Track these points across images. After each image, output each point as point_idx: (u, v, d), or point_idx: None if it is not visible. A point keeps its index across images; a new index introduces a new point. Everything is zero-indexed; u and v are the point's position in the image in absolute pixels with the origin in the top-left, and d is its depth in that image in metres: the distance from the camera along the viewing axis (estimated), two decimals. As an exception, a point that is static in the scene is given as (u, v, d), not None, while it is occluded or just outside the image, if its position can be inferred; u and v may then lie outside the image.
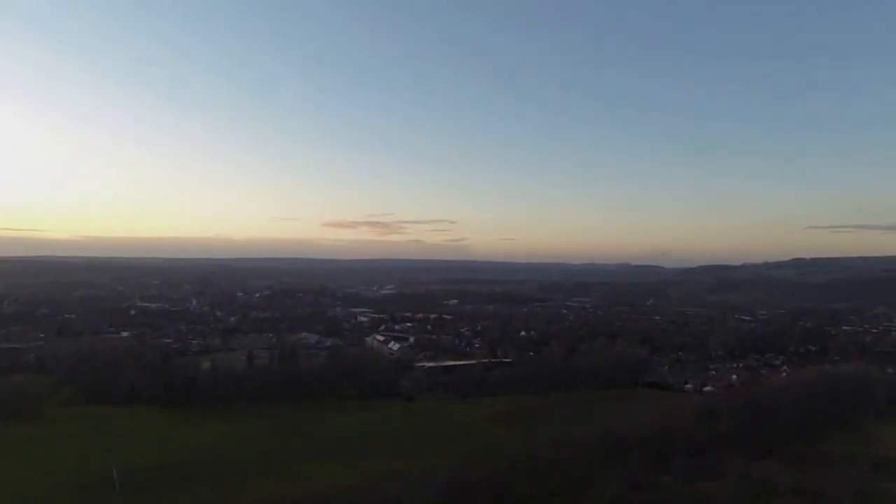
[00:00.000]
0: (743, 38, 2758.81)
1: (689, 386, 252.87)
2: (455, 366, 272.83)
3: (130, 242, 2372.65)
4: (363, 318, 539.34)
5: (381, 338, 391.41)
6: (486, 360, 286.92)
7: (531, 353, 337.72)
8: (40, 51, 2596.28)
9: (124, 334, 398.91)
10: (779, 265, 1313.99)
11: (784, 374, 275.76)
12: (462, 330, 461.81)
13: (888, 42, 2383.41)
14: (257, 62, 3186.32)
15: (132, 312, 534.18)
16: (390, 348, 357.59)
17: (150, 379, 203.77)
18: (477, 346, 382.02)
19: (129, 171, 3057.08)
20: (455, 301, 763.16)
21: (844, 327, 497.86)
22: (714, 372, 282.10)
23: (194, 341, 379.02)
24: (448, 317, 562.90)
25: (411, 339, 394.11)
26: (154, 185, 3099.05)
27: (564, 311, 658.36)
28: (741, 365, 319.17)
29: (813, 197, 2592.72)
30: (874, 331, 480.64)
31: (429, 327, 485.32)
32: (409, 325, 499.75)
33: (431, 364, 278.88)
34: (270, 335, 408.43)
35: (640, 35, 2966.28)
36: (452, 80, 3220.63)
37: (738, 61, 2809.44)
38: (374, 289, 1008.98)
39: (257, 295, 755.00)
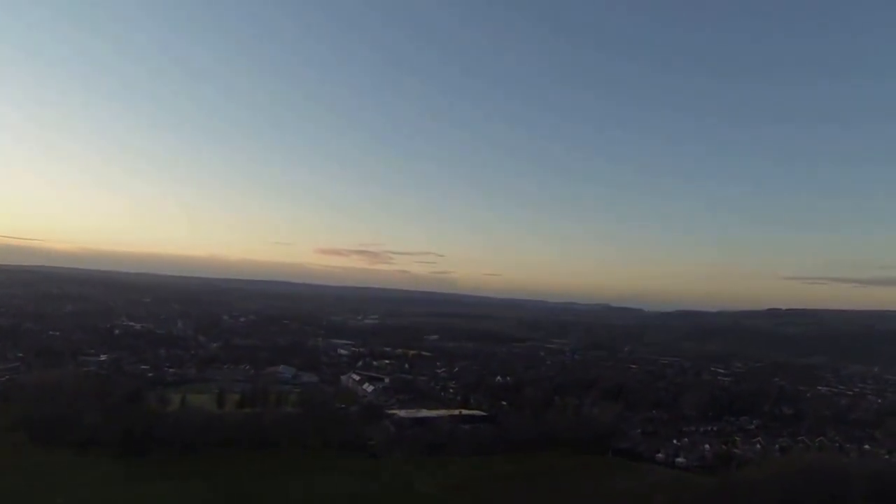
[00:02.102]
0: (727, 102, 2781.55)
1: (660, 455, 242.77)
2: (426, 418, 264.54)
3: (127, 257, 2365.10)
4: (343, 352, 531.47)
5: (356, 377, 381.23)
6: (457, 412, 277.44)
7: (504, 403, 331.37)
8: (43, 62, 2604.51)
9: (103, 357, 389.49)
10: (754, 314, 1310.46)
11: (758, 445, 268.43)
12: (439, 371, 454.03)
13: (870, 105, 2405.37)
14: (262, 87, 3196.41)
15: (116, 332, 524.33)
16: (364, 389, 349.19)
17: (110, 424, 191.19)
18: (451, 390, 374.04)
19: (130, 186, 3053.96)
20: (436, 336, 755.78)
21: (819, 387, 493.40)
22: (686, 439, 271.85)
23: (170, 370, 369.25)
24: (427, 354, 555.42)
25: (386, 380, 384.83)
26: (154, 202, 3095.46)
27: (542, 354, 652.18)
28: (715, 429, 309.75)
29: (791, 247, 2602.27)
30: (849, 393, 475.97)
31: (406, 365, 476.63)
32: (387, 361, 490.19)
33: (402, 414, 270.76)
34: (247, 367, 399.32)
35: (634, 90, 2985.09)
36: (448, 124, 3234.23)
37: (720, 116, 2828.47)
38: (359, 318, 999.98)
39: (242, 319, 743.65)
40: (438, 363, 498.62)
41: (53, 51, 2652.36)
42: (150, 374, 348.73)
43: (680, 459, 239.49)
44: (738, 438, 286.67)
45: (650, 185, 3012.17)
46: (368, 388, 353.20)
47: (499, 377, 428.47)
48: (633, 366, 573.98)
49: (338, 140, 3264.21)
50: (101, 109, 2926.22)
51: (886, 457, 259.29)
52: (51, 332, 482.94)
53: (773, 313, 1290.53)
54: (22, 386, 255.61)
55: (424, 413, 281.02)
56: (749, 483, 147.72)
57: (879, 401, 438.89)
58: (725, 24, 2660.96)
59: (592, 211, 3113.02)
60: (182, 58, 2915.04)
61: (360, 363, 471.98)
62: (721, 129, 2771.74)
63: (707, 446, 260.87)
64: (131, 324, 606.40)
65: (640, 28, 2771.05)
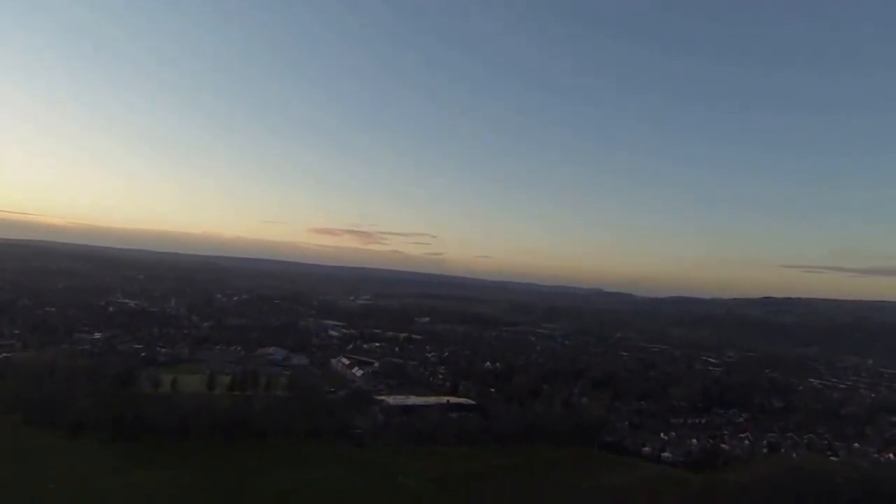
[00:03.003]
0: (725, 89, 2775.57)
1: (647, 449, 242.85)
2: (414, 406, 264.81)
3: (122, 233, 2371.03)
4: (334, 333, 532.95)
5: (346, 361, 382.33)
6: (445, 401, 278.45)
7: (493, 390, 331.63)
8: (40, 38, 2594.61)
9: (97, 335, 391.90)
10: (749, 302, 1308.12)
11: (746, 441, 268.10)
12: (429, 356, 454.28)
13: (872, 95, 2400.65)
14: (258, 68, 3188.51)
15: (110, 310, 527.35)
16: (354, 374, 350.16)
17: (102, 408, 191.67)
18: (441, 375, 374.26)
19: (127, 163, 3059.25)
20: (427, 319, 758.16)
21: (812, 380, 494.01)
22: (674, 433, 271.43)
23: (163, 349, 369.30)
24: (418, 337, 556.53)
25: (376, 364, 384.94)
26: (149, 179, 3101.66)
27: (532, 339, 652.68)
28: (703, 421, 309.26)
29: (789, 235, 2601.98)
30: (842, 386, 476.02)
31: (397, 349, 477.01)
32: (377, 344, 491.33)
33: (391, 401, 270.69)
34: (239, 348, 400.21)
35: (630, 74, 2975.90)
36: (444, 105, 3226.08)
37: (723, 109, 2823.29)
38: (351, 298, 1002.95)
39: (235, 298, 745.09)
40: (428, 347, 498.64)
41: (51, 27, 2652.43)
42: (142, 354, 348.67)
43: (666, 454, 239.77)
44: (726, 433, 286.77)
45: (646, 171, 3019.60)
46: (358, 372, 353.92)
47: (488, 363, 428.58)
48: (624, 353, 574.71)
49: (332, 120, 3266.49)
50: (96, 86, 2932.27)
51: (876, 455, 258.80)
52: (46, 309, 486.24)
53: (768, 302, 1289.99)
54: (17, 366, 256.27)
55: (413, 400, 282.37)
56: (733, 486, 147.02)
57: (872, 395, 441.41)
58: (721, 12, 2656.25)
59: (586, 195, 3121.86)
60: (179, 36, 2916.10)
61: (350, 346, 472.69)
62: (719, 116, 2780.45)
63: (694, 441, 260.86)
64: (125, 301, 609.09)
65: (637, 12, 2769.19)
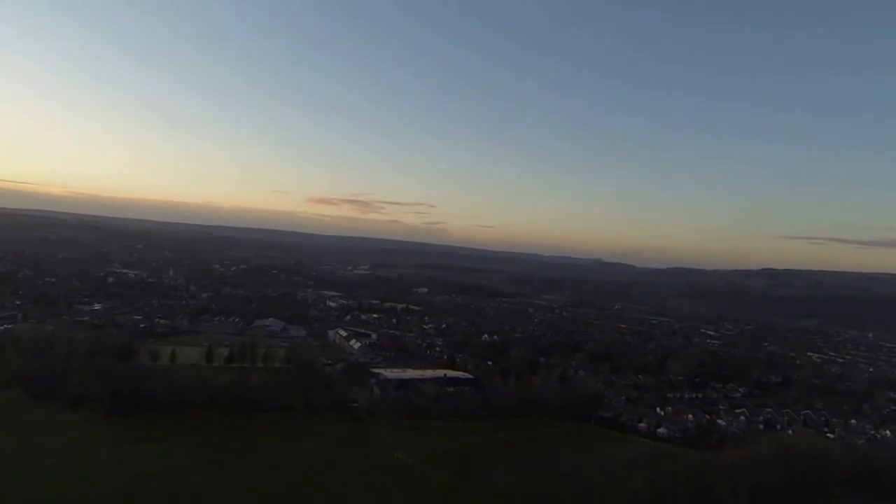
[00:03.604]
0: (727, 50, 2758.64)
1: (642, 425, 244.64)
2: (410, 380, 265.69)
3: (121, 202, 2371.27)
4: (332, 304, 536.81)
5: (344, 333, 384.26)
6: (442, 374, 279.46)
7: (490, 363, 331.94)
8: (44, 10, 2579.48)
9: (97, 307, 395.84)
10: (749, 274, 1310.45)
11: (742, 417, 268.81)
12: (426, 327, 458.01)
13: (870, 61, 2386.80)
14: (257, 37, 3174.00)
15: (109, 280, 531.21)
16: (351, 346, 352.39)
17: (100, 382, 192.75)
18: (438, 348, 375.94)
19: (125, 132, 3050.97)
20: (425, 290, 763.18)
21: (810, 353, 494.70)
22: (670, 408, 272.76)
23: (162, 321, 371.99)
24: (416, 308, 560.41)
25: (374, 336, 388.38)
26: (149, 148, 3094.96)
27: (531, 311, 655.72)
28: (700, 396, 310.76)
29: (790, 206, 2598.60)
30: (840, 360, 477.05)
31: (394, 320, 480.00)
32: (375, 315, 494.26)
33: (387, 374, 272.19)
34: (237, 319, 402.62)
35: (633, 37, 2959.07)
36: (444, 71, 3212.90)
37: (727, 72, 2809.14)
38: (349, 268, 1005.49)
39: (233, 269, 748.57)
40: (426, 318, 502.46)
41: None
42: (142, 326, 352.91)
43: (662, 430, 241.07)
44: (722, 408, 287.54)
45: (648, 139, 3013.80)
46: (355, 344, 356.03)
47: (486, 335, 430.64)
48: (623, 325, 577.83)
49: (330, 89, 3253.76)
50: (98, 54, 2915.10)
51: (873, 432, 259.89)
52: (47, 279, 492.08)
53: (769, 273, 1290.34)
54: (18, 339, 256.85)
55: (410, 373, 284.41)
56: (727, 465, 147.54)
57: (871, 369, 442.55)
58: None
59: (588, 165, 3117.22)
60: (180, 3, 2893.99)
61: (348, 317, 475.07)
62: (722, 82, 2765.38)
63: (690, 416, 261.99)
64: (124, 271, 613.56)
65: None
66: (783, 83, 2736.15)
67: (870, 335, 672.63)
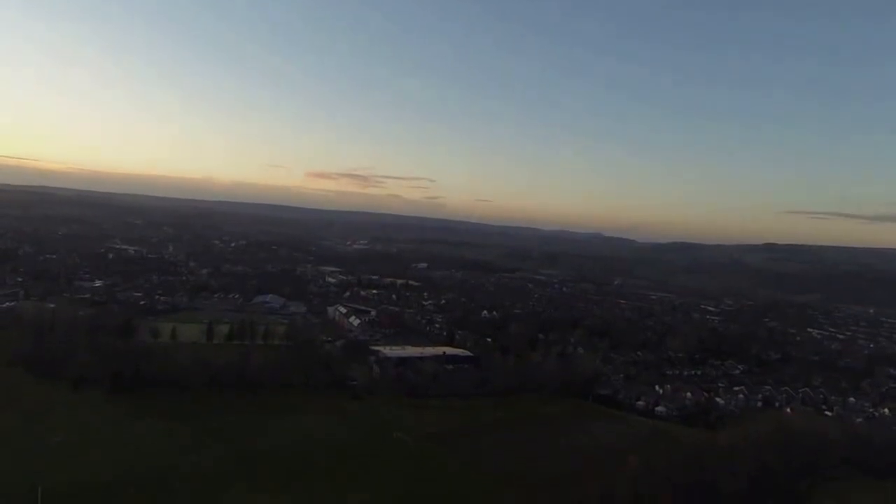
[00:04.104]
0: (726, 29, 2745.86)
1: (640, 403, 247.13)
2: (409, 358, 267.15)
3: (121, 178, 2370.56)
4: (331, 280, 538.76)
5: (343, 309, 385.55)
6: (441, 352, 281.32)
7: (490, 339, 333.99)
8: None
9: (97, 283, 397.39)
10: (751, 249, 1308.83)
11: (741, 395, 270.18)
12: (426, 303, 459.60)
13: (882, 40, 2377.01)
14: (258, 12, 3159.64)
15: (109, 256, 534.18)
16: (351, 323, 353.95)
17: (101, 362, 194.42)
18: (437, 325, 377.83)
19: (125, 107, 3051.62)
20: (425, 265, 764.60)
21: (810, 329, 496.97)
22: (669, 386, 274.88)
23: (162, 298, 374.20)
24: (415, 283, 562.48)
25: (373, 313, 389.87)
26: (148, 123, 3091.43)
27: (530, 286, 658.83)
28: (699, 373, 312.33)
29: (794, 180, 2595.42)
30: (840, 336, 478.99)
31: (394, 296, 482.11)
32: (374, 291, 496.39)
33: (387, 352, 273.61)
34: (237, 296, 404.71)
35: (634, 17, 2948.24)
36: (443, 46, 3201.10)
37: (722, 45, 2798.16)
38: (348, 243, 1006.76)
39: (233, 244, 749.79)
40: (426, 294, 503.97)
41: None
42: (142, 303, 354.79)
43: (660, 408, 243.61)
44: (721, 386, 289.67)
45: (648, 113, 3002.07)
46: (355, 321, 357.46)
47: (485, 312, 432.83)
48: (622, 301, 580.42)
49: (329, 62, 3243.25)
50: (95, 30, 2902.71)
51: (871, 410, 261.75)
52: (47, 256, 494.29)
53: (771, 248, 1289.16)
54: (20, 317, 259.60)
55: (409, 351, 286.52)
56: (725, 447, 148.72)
57: (871, 345, 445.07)
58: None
59: (588, 138, 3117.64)
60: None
61: (347, 293, 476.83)
62: (723, 59, 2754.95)
63: (689, 394, 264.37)
64: (124, 247, 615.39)
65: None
66: (786, 61, 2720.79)
67: (871, 310, 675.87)
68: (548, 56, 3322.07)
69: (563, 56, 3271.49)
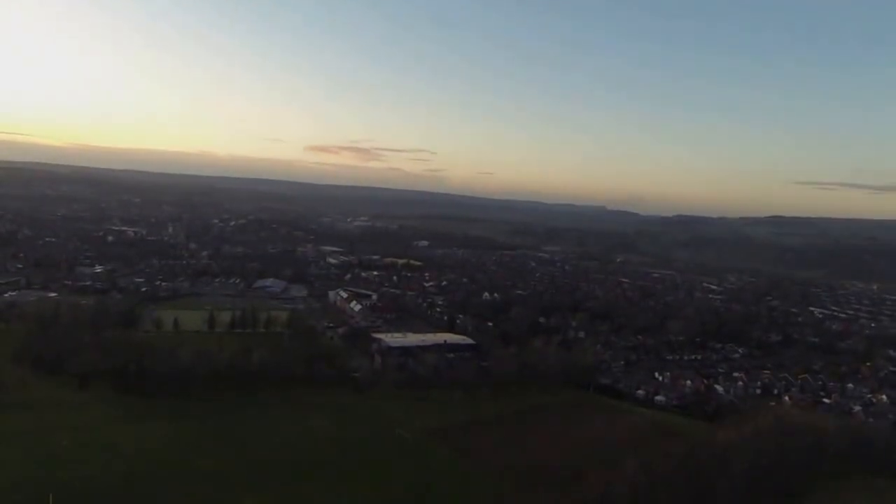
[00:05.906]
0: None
1: (640, 392, 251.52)
2: (410, 347, 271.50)
3: (117, 152, 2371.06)
4: (332, 261, 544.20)
5: (344, 294, 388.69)
6: (442, 341, 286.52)
7: (490, 324, 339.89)
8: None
9: (98, 269, 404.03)
10: (757, 222, 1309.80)
11: (740, 382, 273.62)
12: (427, 285, 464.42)
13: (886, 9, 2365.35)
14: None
15: (109, 239, 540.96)
16: (352, 308, 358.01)
17: (105, 358, 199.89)
18: (439, 308, 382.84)
19: (119, 81, 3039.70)
20: (426, 243, 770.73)
21: (812, 308, 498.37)
22: (668, 373, 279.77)
23: (163, 283, 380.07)
24: (416, 263, 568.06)
25: (374, 297, 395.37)
26: (143, 97, 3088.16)
27: (533, 264, 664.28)
28: (699, 358, 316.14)
29: (802, 150, 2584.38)
30: (842, 316, 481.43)
31: (395, 278, 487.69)
32: (375, 273, 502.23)
33: (388, 340, 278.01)
34: (237, 280, 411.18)
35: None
36: (444, 15, 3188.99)
37: (723, 11, 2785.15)
38: (349, 220, 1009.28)
39: (232, 223, 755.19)
40: (427, 275, 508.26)
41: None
42: (143, 290, 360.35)
43: (660, 397, 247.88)
44: (720, 371, 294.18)
45: (650, 84, 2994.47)
46: (356, 306, 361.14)
47: (486, 294, 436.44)
48: (624, 280, 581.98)
49: (327, 33, 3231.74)
50: (92, 3, 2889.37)
51: (869, 396, 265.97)
52: (47, 240, 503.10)
53: (777, 221, 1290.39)
54: (22, 311, 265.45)
55: (410, 338, 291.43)
56: (723, 444, 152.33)
57: (873, 324, 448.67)
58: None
59: (592, 110, 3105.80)
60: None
61: (348, 275, 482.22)
62: (725, 27, 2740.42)
63: (688, 382, 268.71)
64: (123, 228, 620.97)
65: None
66: (794, 27, 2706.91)
67: (874, 287, 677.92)
68: (552, 26, 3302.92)
69: (568, 26, 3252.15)
